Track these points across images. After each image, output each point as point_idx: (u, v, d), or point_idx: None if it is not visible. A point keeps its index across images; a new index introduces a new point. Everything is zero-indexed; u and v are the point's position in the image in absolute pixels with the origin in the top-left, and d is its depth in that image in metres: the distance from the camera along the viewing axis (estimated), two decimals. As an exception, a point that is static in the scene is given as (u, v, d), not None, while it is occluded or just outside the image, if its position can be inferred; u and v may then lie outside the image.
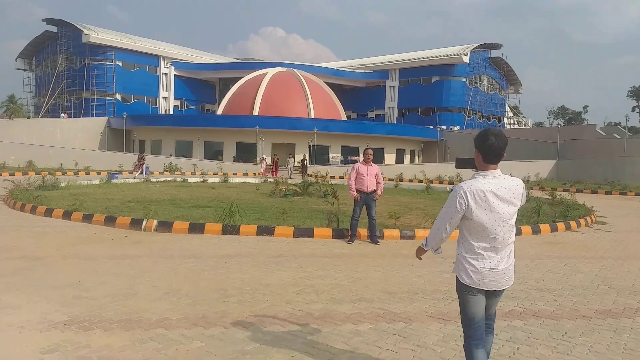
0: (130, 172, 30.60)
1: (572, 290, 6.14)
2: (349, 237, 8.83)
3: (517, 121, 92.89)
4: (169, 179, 24.87)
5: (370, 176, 8.75)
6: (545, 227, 10.94)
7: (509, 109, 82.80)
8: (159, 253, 7.42)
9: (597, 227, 12.31)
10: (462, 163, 3.56)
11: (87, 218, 10.22)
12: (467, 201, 2.82)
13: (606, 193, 25.45)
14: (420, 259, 3.47)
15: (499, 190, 2.84)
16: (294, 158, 37.35)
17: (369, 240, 8.86)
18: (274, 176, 30.07)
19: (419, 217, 12.74)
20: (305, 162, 36.97)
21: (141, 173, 28.12)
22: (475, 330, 2.99)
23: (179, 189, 19.32)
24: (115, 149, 51.29)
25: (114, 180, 21.59)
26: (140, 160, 29.35)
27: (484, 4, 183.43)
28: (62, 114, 58.72)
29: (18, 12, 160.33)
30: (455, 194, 2.88)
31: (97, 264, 6.67)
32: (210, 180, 26.03)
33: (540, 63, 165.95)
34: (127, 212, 11.35)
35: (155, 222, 9.48)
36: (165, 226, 9.42)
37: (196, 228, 9.29)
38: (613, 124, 77.10)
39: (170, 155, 46.66)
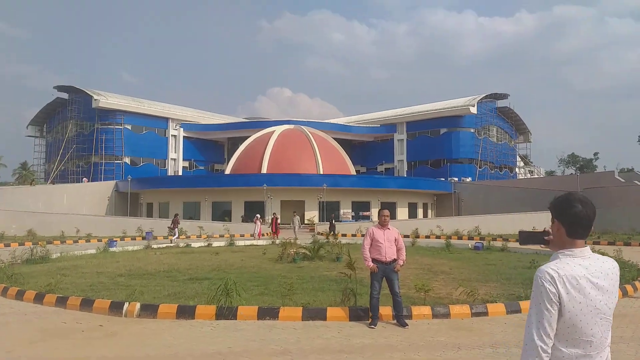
0: (133, 239, 29.30)
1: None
2: (370, 320, 7.26)
3: (529, 170, 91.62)
4: (172, 245, 23.46)
5: (389, 242, 7.29)
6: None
7: (519, 159, 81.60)
8: (132, 354, 5.89)
9: (657, 290, 10.58)
10: (528, 238, 2.16)
11: (61, 302, 8.75)
12: (558, 291, 2.04)
13: (641, 244, 23.56)
14: None
15: (594, 276, 2.11)
16: (299, 216, 34.92)
17: (394, 320, 7.26)
18: (275, 237, 28.47)
19: (446, 283, 11.13)
20: (333, 220, 34.10)
21: (177, 237, 27.76)
22: None
23: (180, 256, 17.88)
24: (123, 214, 50.37)
25: (112, 249, 20.23)
26: (175, 223, 28.64)
27: (485, 56, 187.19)
28: (84, 179, 58.66)
29: (35, 80, 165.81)
30: (539, 284, 2.08)
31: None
32: (216, 243, 24.61)
33: (546, 112, 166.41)
34: (114, 290, 9.89)
35: (138, 306, 7.99)
36: (149, 310, 7.92)
37: (185, 312, 7.78)
38: (626, 170, 75.40)
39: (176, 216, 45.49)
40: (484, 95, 66.77)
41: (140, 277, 11.97)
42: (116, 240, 23.71)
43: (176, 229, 28.41)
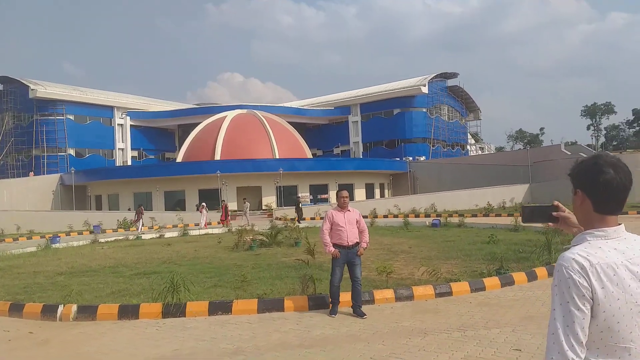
0: (80, 233, 27.77)
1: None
2: (330, 307, 6.77)
3: (479, 147, 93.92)
4: (122, 237, 22.28)
5: (350, 225, 6.77)
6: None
7: (470, 136, 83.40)
8: (62, 365, 5.17)
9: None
10: (532, 214, 1.56)
11: (-13, 308, 7.81)
12: (591, 285, 1.51)
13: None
14: None
15: (634, 263, 1.57)
16: (249, 202, 33.22)
17: (353, 310, 6.74)
18: (225, 224, 27.39)
19: (407, 263, 10.84)
20: (300, 204, 31.50)
21: (141, 228, 27.35)
22: None
23: (129, 249, 16.89)
24: (69, 208, 47.89)
25: (54, 245, 18.93)
26: (139, 214, 28.09)
27: (434, 37, 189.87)
28: (30, 173, 55.41)
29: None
30: (566, 276, 1.53)
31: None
32: (169, 234, 23.59)
33: (494, 91, 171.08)
34: (50, 291, 9.00)
35: (74, 308, 7.19)
36: (87, 312, 7.14)
37: (128, 312, 7.05)
38: (570, 143, 78.62)
39: (129, 209, 43.68)
40: (435, 74, 67.38)
41: (82, 275, 11.07)
42: (59, 236, 22.25)
43: (141, 220, 27.99)
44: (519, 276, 8.37)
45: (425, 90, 64.22)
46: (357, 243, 6.80)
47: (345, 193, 6.93)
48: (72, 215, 34.07)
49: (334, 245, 6.70)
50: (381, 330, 5.88)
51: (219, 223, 29.53)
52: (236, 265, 11.44)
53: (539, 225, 17.47)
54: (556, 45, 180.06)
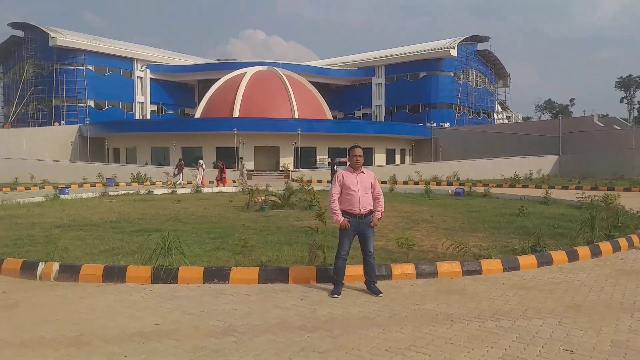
0: (93, 185, 27.40)
1: None
2: (334, 286, 5.77)
3: (506, 116, 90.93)
4: (132, 191, 21.74)
5: (363, 189, 5.73)
6: (605, 245, 8.09)
7: (497, 104, 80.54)
8: (19, 336, 4.39)
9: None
10: None
11: (-34, 262, 7.13)
12: None
13: (625, 190, 22.81)
14: None
15: None
16: (246, 163, 32.12)
17: (366, 287, 5.83)
18: (221, 185, 26.45)
19: (429, 233, 9.89)
20: (335, 166, 29.72)
21: (180, 182, 27.52)
22: None
23: (137, 204, 16.26)
24: (87, 159, 47.84)
25: (63, 196, 18.44)
26: (180, 167, 28.09)
27: (463, 3, 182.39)
28: (55, 123, 55.54)
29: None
30: None
31: None
32: (182, 190, 22.98)
33: (522, 59, 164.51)
34: (42, 245, 8.29)
35: (55, 267, 6.45)
36: (69, 272, 6.39)
37: (114, 274, 6.27)
38: (601, 116, 75.44)
39: (146, 164, 43.41)
40: (465, 37, 64.58)
41: (80, 229, 10.39)
42: (68, 187, 21.79)
43: (180, 175, 27.87)
44: (558, 255, 7.35)
45: (454, 53, 61.70)
46: (371, 211, 5.78)
47: (359, 151, 5.87)
48: (86, 167, 33.77)
49: (344, 213, 5.70)
50: (399, 314, 4.97)
51: (210, 182, 28.55)
52: (244, 227, 10.63)
53: (572, 198, 16.31)
54: (589, 15, 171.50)
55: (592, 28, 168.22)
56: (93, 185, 27.57)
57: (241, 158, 32.57)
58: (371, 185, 5.82)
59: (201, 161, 30.22)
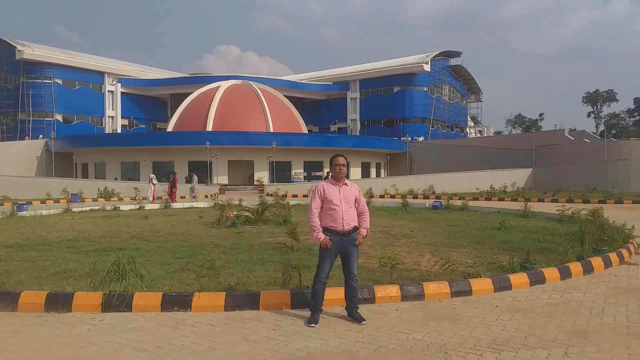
0: (57, 201, 26.09)
1: None
2: (311, 313, 5.11)
3: (478, 130, 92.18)
4: (97, 207, 20.65)
5: (347, 203, 5.12)
6: (597, 261, 7.65)
7: (469, 119, 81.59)
8: None
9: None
10: None
11: None
12: None
13: (600, 202, 22.83)
14: None
15: None
16: (197, 176, 30.37)
17: (347, 313, 5.20)
18: (173, 200, 25.07)
19: (410, 249, 9.32)
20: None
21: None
22: None
23: (100, 221, 15.29)
24: (55, 175, 46.06)
25: (21, 213, 17.31)
26: (173, 181, 27.13)
27: (435, 17, 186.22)
28: (26, 137, 53.53)
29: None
30: None
31: None
32: (150, 206, 21.98)
33: (493, 75, 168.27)
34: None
35: (-10, 295, 5.62)
36: (6, 301, 5.56)
37: (58, 302, 5.48)
38: (570, 129, 77.17)
39: (115, 179, 41.98)
40: (437, 52, 65.29)
41: (32, 249, 9.48)
42: (28, 204, 20.59)
43: (176, 190, 27.10)
44: (551, 273, 6.86)
45: (427, 68, 62.21)
46: (356, 228, 5.18)
47: (342, 160, 5.28)
48: (52, 182, 32.26)
49: (325, 229, 5.08)
50: (386, 346, 4.34)
51: (158, 198, 26.97)
52: (213, 245, 9.91)
53: (550, 211, 16.04)
54: (557, 31, 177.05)
55: (560, 44, 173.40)
56: (57, 201, 26.27)
57: (192, 174, 30.92)
58: (355, 199, 5.21)
59: (152, 175, 28.47)
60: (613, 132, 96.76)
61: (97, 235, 11.55)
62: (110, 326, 4.94)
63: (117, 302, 5.39)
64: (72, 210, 18.92)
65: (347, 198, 5.16)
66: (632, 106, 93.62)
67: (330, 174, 5.38)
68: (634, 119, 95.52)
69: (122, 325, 4.97)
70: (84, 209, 20.09)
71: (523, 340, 4.47)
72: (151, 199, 25.54)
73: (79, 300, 5.47)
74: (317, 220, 5.11)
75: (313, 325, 4.93)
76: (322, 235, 5.05)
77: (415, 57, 65.38)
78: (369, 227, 5.35)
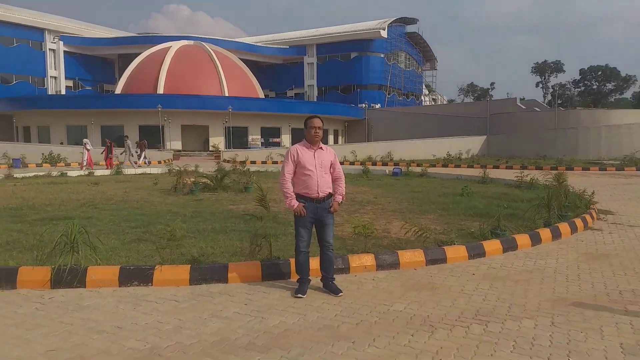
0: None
1: None
2: (298, 285, 4.85)
3: (432, 98, 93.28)
4: (43, 173, 19.41)
5: (322, 169, 4.80)
6: (564, 227, 7.70)
7: (424, 87, 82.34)
8: None
9: (612, 220, 9.39)
10: None
11: None
12: None
13: (552, 169, 23.53)
14: None
15: None
16: (131, 141, 28.79)
17: (322, 284, 4.92)
18: (109, 166, 23.92)
19: (377, 216, 9.14)
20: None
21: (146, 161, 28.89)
22: None
23: (46, 187, 14.32)
24: (-5, 139, 43.12)
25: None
26: (142, 146, 28.90)
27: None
28: None
29: None
30: None
31: None
32: (101, 172, 20.89)
33: (447, 43, 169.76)
34: None
35: None
36: (-61, 278, 4.93)
37: (0, 278, 4.91)
38: (521, 98, 79.33)
39: (61, 143, 39.74)
40: (394, 18, 64.81)
41: (-33, 219, 8.64)
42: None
43: (144, 153, 28.32)
44: (522, 239, 6.82)
45: (384, 34, 61.72)
46: (330, 195, 4.87)
47: (318, 122, 4.92)
48: (-11, 147, 30.13)
49: (298, 196, 4.75)
50: (368, 319, 4.09)
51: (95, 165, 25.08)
52: (171, 213, 9.37)
53: (507, 177, 16.33)
54: (507, 2, 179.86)
55: (509, 16, 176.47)
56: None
57: (126, 136, 29.17)
58: (331, 164, 4.87)
59: (86, 140, 26.12)
60: (559, 102, 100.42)
61: (43, 203, 10.73)
62: (62, 304, 4.44)
63: (68, 278, 4.87)
64: (14, 176, 17.69)
65: (323, 163, 4.82)
66: (578, 77, 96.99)
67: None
68: (579, 89, 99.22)
69: (75, 303, 4.48)
70: (27, 174, 18.84)
71: (507, 310, 4.33)
72: (85, 165, 23.72)
73: (24, 275, 4.91)
74: (290, 187, 4.76)
75: (300, 295, 4.68)
76: (295, 203, 4.70)
77: (372, 22, 64.67)
78: (344, 193, 5.04)
